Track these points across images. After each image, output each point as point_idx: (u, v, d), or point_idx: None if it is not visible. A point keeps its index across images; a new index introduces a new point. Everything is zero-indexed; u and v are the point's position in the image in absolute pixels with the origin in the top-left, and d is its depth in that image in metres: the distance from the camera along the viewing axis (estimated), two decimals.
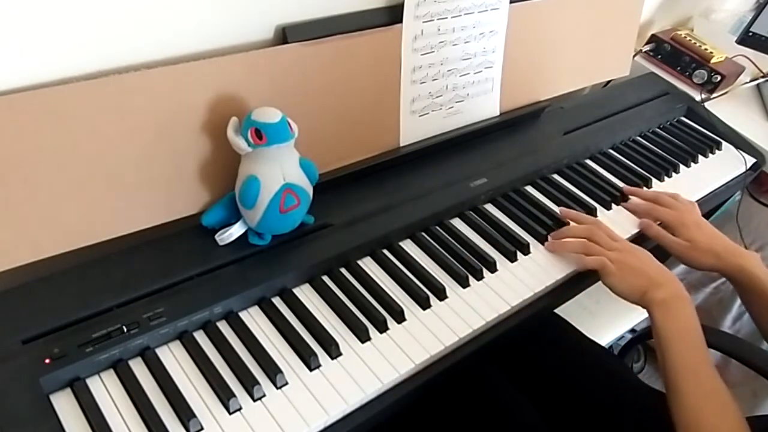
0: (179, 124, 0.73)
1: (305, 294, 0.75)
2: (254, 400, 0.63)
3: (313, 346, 0.68)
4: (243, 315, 0.71)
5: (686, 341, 0.74)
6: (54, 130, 0.65)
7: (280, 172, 0.72)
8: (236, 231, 0.74)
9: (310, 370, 0.67)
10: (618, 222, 0.96)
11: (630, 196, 1.01)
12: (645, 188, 1.05)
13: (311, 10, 0.80)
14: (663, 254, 0.89)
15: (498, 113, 1.06)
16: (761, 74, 1.45)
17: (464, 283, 0.80)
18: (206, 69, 0.72)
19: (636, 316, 1.21)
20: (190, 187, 0.76)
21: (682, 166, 1.13)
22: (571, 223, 0.91)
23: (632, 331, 1.25)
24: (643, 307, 0.79)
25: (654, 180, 1.07)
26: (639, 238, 0.95)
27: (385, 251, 0.82)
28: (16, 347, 0.61)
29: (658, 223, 0.96)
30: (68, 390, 0.61)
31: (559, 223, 0.92)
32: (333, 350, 0.68)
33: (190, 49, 0.74)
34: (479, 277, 0.81)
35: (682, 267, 1.57)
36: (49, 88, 0.64)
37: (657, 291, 0.78)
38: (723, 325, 1.54)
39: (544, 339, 0.95)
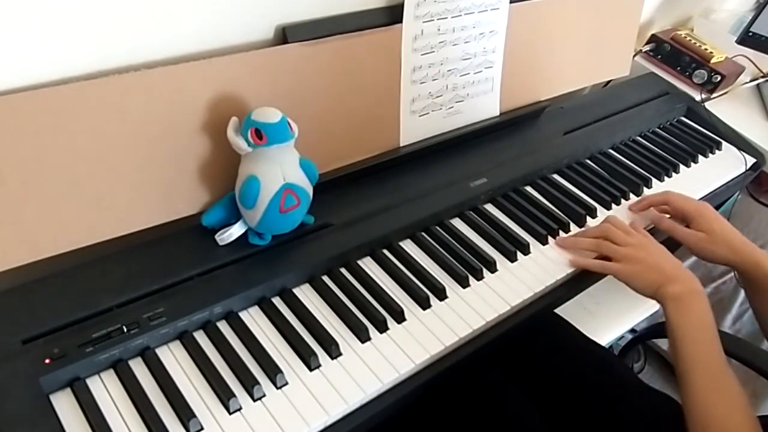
0: (179, 124, 0.73)
1: (305, 294, 0.75)
2: (254, 400, 0.63)
3: (313, 346, 0.68)
4: (243, 315, 0.71)
5: (699, 336, 0.73)
6: (54, 130, 0.65)
7: (280, 172, 0.72)
8: (236, 231, 0.75)
9: (310, 370, 0.67)
10: None
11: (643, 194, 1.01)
12: (644, 188, 1.05)
13: (311, 10, 0.80)
14: (673, 245, 0.89)
15: (498, 113, 1.06)
16: (761, 74, 1.45)
17: (464, 283, 0.80)
18: (206, 69, 0.72)
19: (636, 316, 1.21)
20: (190, 187, 0.76)
21: (682, 166, 1.13)
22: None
23: (632, 331, 1.25)
24: (658, 301, 0.79)
25: (654, 180, 1.07)
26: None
27: (385, 251, 0.82)
28: (16, 347, 0.61)
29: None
30: (68, 390, 0.61)
31: (559, 222, 0.92)
32: (333, 350, 0.68)
33: (190, 49, 0.74)
34: (479, 277, 0.81)
35: (684, 265, 1.58)
36: (49, 88, 0.64)
37: (671, 286, 0.77)
38: (723, 325, 1.54)
39: (545, 339, 0.95)
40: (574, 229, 0.93)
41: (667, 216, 0.96)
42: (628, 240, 0.85)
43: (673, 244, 0.92)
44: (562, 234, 0.91)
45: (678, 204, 0.95)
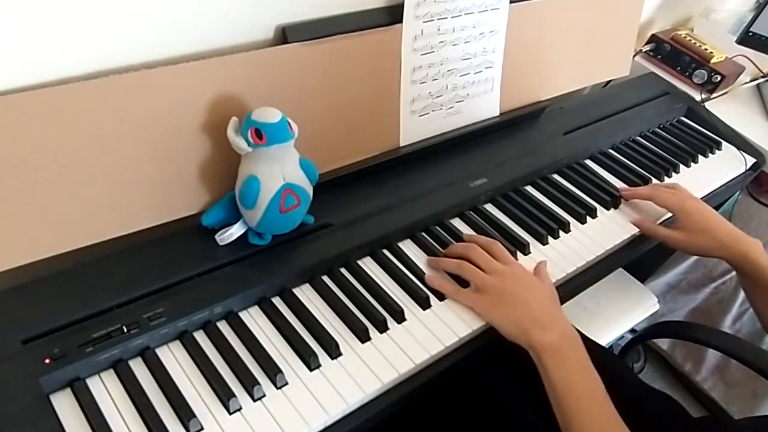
0: (179, 124, 0.73)
1: (305, 294, 0.75)
2: (254, 400, 0.63)
3: (313, 346, 0.68)
4: (243, 315, 0.71)
5: (586, 394, 0.67)
6: (54, 130, 0.65)
7: (280, 172, 0.72)
8: (236, 231, 0.75)
9: (310, 370, 0.67)
10: (617, 222, 0.96)
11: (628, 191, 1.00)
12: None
13: (311, 10, 0.80)
14: (668, 249, 0.89)
15: (498, 113, 1.06)
16: (761, 74, 1.45)
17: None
18: (206, 69, 0.72)
19: (636, 316, 1.21)
20: (190, 187, 0.76)
21: (682, 166, 1.13)
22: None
23: (632, 331, 1.26)
24: (528, 349, 0.69)
25: (654, 180, 1.07)
26: (638, 238, 0.95)
27: (385, 251, 0.82)
28: (16, 347, 0.61)
29: (664, 218, 0.94)
30: (68, 390, 0.61)
31: (559, 222, 0.92)
32: (333, 350, 0.68)
33: (190, 49, 0.74)
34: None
35: (684, 265, 1.58)
36: (49, 88, 0.64)
37: (543, 333, 0.68)
38: (723, 325, 1.54)
39: None
40: (574, 228, 0.93)
41: (659, 222, 0.95)
42: (494, 267, 0.75)
43: (668, 247, 0.92)
44: (562, 234, 0.91)
45: (661, 200, 0.94)
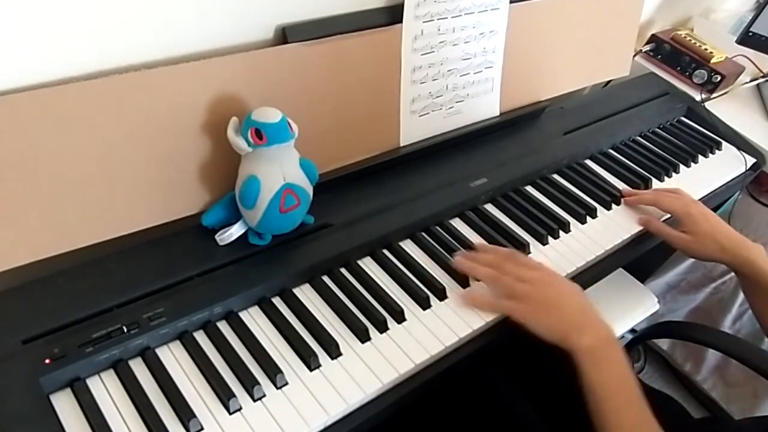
0: (179, 124, 0.73)
1: (305, 294, 0.75)
2: (254, 400, 0.63)
3: (313, 346, 0.68)
4: (243, 315, 0.71)
5: (623, 396, 0.67)
6: (54, 130, 0.65)
7: (280, 172, 0.72)
8: (236, 231, 0.75)
9: (310, 370, 0.67)
10: (618, 222, 0.96)
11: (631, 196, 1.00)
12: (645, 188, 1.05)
13: (311, 10, 0.80)
14: (669, 249, 0.89)
15: (498, 113, 1.06)
16: (761, 74, 1.45)
17: (464, 284, 0.80)
18: (206, 69, 0.72)
19: (636, 316, 1.21)
20: (190, 187, 0.76)
21: (682, 166, 1.13)
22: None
23: (632, 331, 1.25)
24: (567, 351, 0.70)
25: (654, 180, 1.07)
26: (641, 236, 0.95)
27: (385, 251, 0.82)
28: (16, 347, 0.61)
29: (664, 219, 0.95)
30: (68, 390, 0.61)
31: (559, 222, 0.92)
32: (333, 350, 0.68)
33: (190, 49, 0.74)
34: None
35: (684, 265, 1.58)
36: (49, 88, 0.64)
37: (581, 336, 0.69)
38: (723, 325, 1.54)
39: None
40: (574, 228, 0.93)
41: (662, 219, 0.95)
42: (525, 275, 0.75)
43: (669, 247, 0.92)
44: (562, 234, 0.91)
45: (665, 206, 0.94)
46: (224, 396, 0.62)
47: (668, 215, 0.97)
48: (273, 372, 0.65)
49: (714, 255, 0.88)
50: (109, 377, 0.63)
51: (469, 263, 0.79)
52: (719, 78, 1.31)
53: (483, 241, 0.87)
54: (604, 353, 0.69)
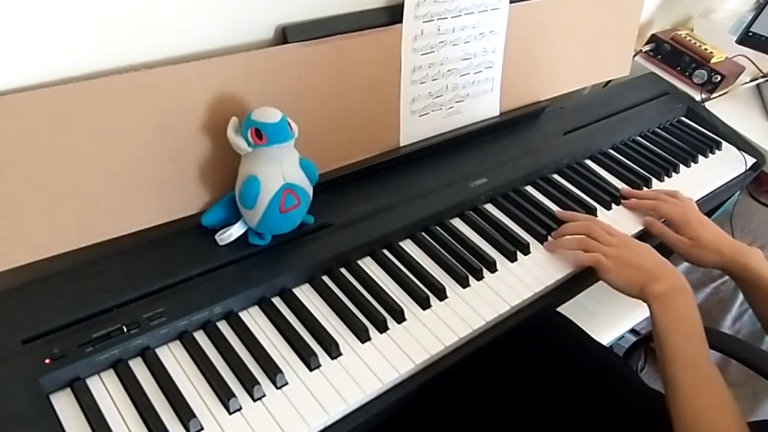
0: (179, 124, 0.73)
1: (305, 294, 0.75)
2: (254, 400, 0.63)
3: (313, 346, 0.68)
4: (243, 315, 0.71)
5: (684, 333, 0.73)
6: (54, 130, 0.65)
7: (280, 172, 0.72)
8: (236, 231, 0.74)
9: (310, 370, 0.67)
10: (618, 222, 0.96)
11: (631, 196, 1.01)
12: (645, 188, 1.05)
13: (311, 10, 0.80)
14: (667, 251, 0.89)
15: (498, 113, 1.06)
16: (761, 74, 1.45)
17: (464, 283, 0.80)
18: (206, 69, 0.72)
19: (636, 316, 1.21)
20: (190, 187, 0.76)
21: (682, 166, 1.13)
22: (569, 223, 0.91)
23: (632, 331, 1.26)
24: (644, 301, 0.78)
25: (654, 180, 1.07)
26: (642, 236, 0.95)
27: (385, 251, 0.82)
28: (16, 347, 0.61)
29: (662, 220, 0.95)
30: (68, 390, 0.61)
31: (559, 223, 0.92)
32: (333, 350, 0.68)
33: (190, 49, 0.74)
34: (479, 277, 0.81)
35: (683, 265, 1.58)
36: (49, 88, 0.64)
37: (656, 285, 0.76)
38: (723, 325, 1.54)
39: (545, 339, 0.95)
40: None
41: (661, 220, 0.96)
42: (610, 240, 0.84)
43: (667, 249, 0.92)
44: (550, 240, 0.91)
45: (663, 212, 0.96)
46: (224, 396, 0.62)
47: None
48: (273, 372, 0.65)
49: (713, 261, 0.89)
50: (109, 377, 0.63)
51: (560, 243, 0.88)
52: (719, 78, 1.31)
53: (484, 241, 0.87)
54: (672, 298, 0.75)
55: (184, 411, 0.60)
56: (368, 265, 0.80)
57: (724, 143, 1.22)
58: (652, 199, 0.98)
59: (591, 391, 0.90)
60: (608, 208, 0.99)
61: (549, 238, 0.89)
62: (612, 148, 1.14)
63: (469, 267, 0.81)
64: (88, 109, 0.66)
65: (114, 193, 0.71)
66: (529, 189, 0.99)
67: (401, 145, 0.94)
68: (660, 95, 1.29)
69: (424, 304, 0.76)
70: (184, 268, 0.71)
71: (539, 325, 0.92)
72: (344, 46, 0.82)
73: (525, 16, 1.02)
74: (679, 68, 1.37)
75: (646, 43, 1.41)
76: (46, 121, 0.64)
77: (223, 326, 0.69)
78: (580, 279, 0.87)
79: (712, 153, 1.19)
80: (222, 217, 0.75)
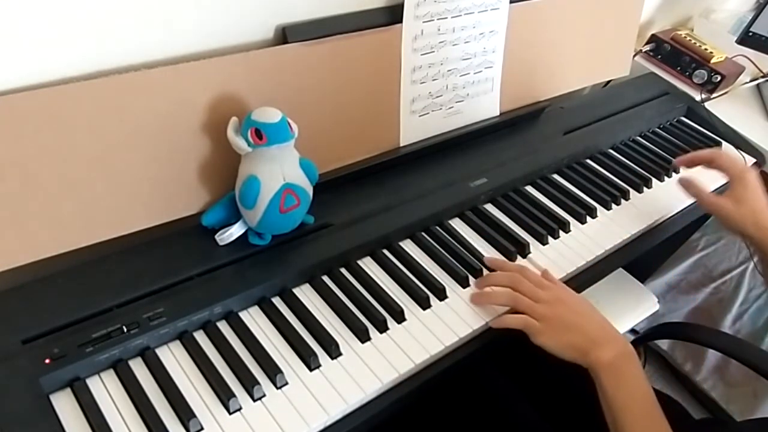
0: (179, 124, 0.73)
1: (305, 294, 0.75)
2: (254, 400, 0.63)
3: (313, 346, 0.68)
4: (243, 315, 0.71)
5: (641, 408, 0.67)
6: (54, 130, 0.65)
7: (280, 172, 0.72)
8: (236, 231, 0.75)
9: (310, 370, 0.67)
10: (618, 222, 0.96)
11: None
12: (645, 188, 1.05)
13: (311, 10, 0.80)
14: (668, 249, 0.88)
15: (498, 113, 1.06)
16: (761, 74, 1.45)
17: (464, 283, 0.80)
18: (206, 69, 0.72)
19: (636, 316, 1.21)
20: (190, 187, 0.76)
21: (682, 166, 1.13)
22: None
23: (632, 331, 1.26)
24: (587, 367, 0.70)
25: (654, 180, 1.07)
26: (639, 238, 0.95)
27: (385, 251, 0.82)
28: (16, 347, 0.61)
29: (718, 190, 0.93)
30: (68, 390, 0.61)
31: (559, 222, 0.92)
32: (333, 350, 0.68)
33: (190, 49, 0.74)
34: (479, 276, 0.81)
35: (684, 265, 1.58)
36: (49, 88, 0.64)
37: (600, 350, 0.69)
38: (723, 325, 1.54)
39: None
40: (574, 228, 0.93)
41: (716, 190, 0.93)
42: (540, 296, 0.75)
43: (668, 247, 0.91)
44: (562, 234, 0.91)
45: (722, 164, 0.92)
46: (224, 396, 0.62)
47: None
48: (273, 372, 0.65)
49: (746, 229, 0.86)
50: (109, 377, 0.63)
51: (486, 296, 0.78)
52: (719, 78, 1.31)
53: (484, 241, 0.87)
54: (623, 368, 0.68)
55: (184, 411, 0.60)
56: (368, 265, 0.80)
57: (724, 143, 1.22)
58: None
59: (591, 391, 0.90)
60: (608, 208, 0.99)
61: (549, 238, 0.89)
62: (612, 148, 1.14)
63: (469, 267, 0.81)
64: (88, 109, 0.66)
65: (114, 193, 0.71)
66: (529, 189, 0.99)
67: (401, 145, 0.94)
68: (660, 95, 1.29)
69: (424, 304, 0.76)
70: (184, 268, 0.71)
71: None
72: (344, 46, 0.82)
73: (525, 16, 1.02)
74: (679, 68, 1.37)
75: (646, 43, 1.42)
76: (46, 121, 0.64)
77: (223, 326, 0.69)
78: (580, 280, 0.87)
79: None
80: (222, 217, 0.75)
